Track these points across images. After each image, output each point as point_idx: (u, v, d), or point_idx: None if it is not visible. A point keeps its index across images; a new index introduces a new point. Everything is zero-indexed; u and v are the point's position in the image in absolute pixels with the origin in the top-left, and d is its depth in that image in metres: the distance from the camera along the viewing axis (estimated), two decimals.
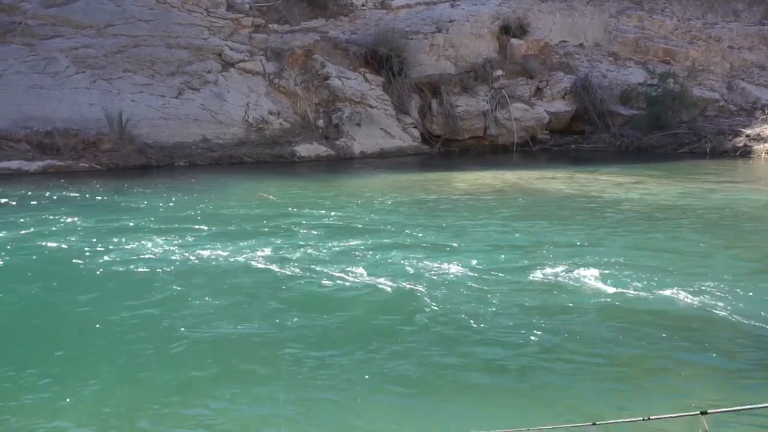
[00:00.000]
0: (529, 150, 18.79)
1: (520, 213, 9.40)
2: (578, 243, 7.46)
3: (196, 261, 6.70)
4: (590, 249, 7.18)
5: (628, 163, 15.52)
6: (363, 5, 20.04)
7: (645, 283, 5.85)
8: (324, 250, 7.04)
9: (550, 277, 6.02)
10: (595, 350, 4.57)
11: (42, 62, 16.16)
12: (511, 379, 4.17)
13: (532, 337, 4.73)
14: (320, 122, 17.67)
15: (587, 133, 19.48)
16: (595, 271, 6.13)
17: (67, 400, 3.91)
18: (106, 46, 16.77)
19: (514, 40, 20.03)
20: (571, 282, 5.91)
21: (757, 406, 2.22)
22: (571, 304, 5.37)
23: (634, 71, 20.89)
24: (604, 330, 4.89)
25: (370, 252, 6.99)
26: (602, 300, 5.48)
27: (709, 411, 1.92)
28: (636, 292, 5.64)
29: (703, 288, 5.72)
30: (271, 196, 10.41)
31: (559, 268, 6.26)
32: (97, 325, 5.01)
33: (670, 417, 2.42)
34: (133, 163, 15.17)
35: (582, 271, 6.14)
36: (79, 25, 16.94)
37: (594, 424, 2.15)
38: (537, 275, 6.09)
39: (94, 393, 3.98)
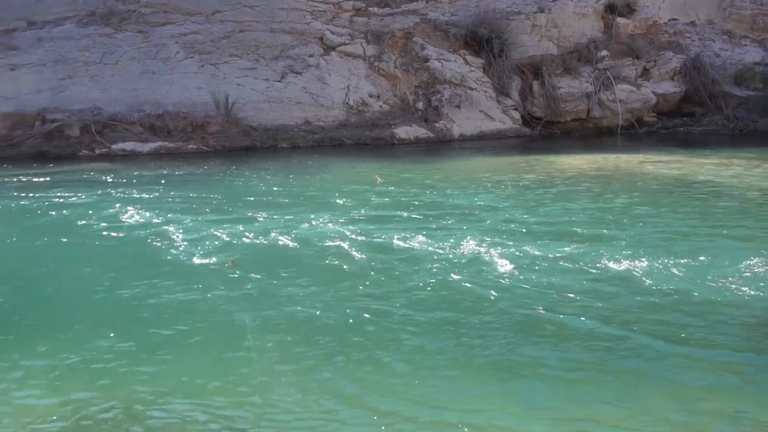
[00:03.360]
0: (635, 133, 18.15)
1: (623, 197, 9.09)
2: (685, 232, 7.11)
3: (297, 240, 6.83)
4: (700, 239, 6.82)
5: (743, 147, 14.74)
6: None
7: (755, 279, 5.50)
8: (424, 233, 7.03)
9: (650, 267, 5.75)
10: (700, 345, 4.33)
11: (154, 48, 16.87)
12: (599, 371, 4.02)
13: (626, 332, 4.54)
14: (420, 104, 17.65)
15: (697, 116, 18.60)
16: (708, 266, 5.80)
17: (142, 370, 4.07)
18: (213, 32, 17.32)
19: (620, 19, 19.34)
20: (674, 274, 5.63)
21: None
22: (673, 297, 5.11)
23: (749, 50, 19.76)
24: (709, 326, 4.62)
25: (469, 234, 6.93)
26: (704, 295, 5.16)
27: None
28: (740, 289, 5.29)
29: None
30: (379, 179, 10.52)
31: (663, 259, 5.95)
32: (187, 304, 5.12)
33: None
34: (238, 144, 15.65)
35: (690, 265, 5.82)
36: (189, 12, 17.57)
37: None
38: (637, 265, 5.83)
39: (180, 369, 4.10)
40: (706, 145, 15.17)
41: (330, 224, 7.39)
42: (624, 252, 6.07)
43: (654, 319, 4.57)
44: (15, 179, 11.41)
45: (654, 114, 18.81)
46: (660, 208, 8.33)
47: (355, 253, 6.24)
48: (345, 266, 5.91)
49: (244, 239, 6.86)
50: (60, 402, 3.63)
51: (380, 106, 17.36)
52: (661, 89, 18.69)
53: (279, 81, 16.97)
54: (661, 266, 5.65)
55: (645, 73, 19.03)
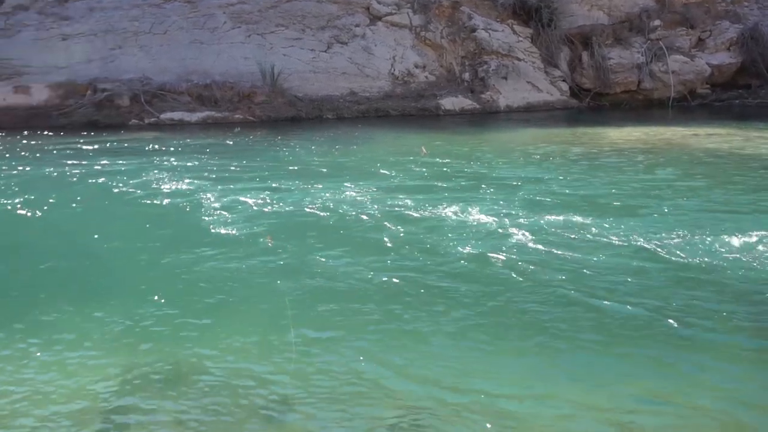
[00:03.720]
0: (687, 105, 17.68)
1: (671, 172, 8.88)
2: (734, 207, 6.90)
3: (337, 211, 6.88)
4: (748, 215, 6.63)
5: None
6: None
7: None
8: (466, 205, 7.00)
9: (692, 243, 5.60)
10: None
11: (202, 18, 17.01)
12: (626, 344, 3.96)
13: (664, 310, 4.45)
14: (466, 75, 17.47)
15: (754, 88, 18.01)
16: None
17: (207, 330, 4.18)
18: (260, 1, 17.37)
19: None
20: (716, 249, 5.48)
21: None
22: (713, 274, 4.97)
23: None
24: (751, 306, 4.47)
25: (510, 207, 6.88)
26: (747, 273, 5.00)
27: None
28: None
29: None
30: (425, 150, 10.51)
31: (706, 235, 5.80)
32: (228, 272, 5.20)
33: None
34: (284, 115, 15.75)
35: (735, 241, 5.66)
36: None
37: None
38: (678, 240, 5.70)
39: (222, 336, 4.20)
40: (761, 118, 14.69)
41: (371, 195, 7.42)
42: (667, 227, 5.96)
43: (692, 297, 4.49)
44: (67, 147, 11.70)
45: (708, 86, 18.29)
46: (710, 181, 8.13)
47: (394, 224, 6.26)
48: (384, 237, 5.94)
49: (285, 209, 6.94)
50: (109, 364, 3.76)
51: (426, 77, 17.25)
52: (716, 60, 18.14)
53: (325, 51, 16.98)
54: (704, 242, 5.54)
55: (699, 43, 18.48)
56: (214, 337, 4.07)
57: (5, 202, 7.41)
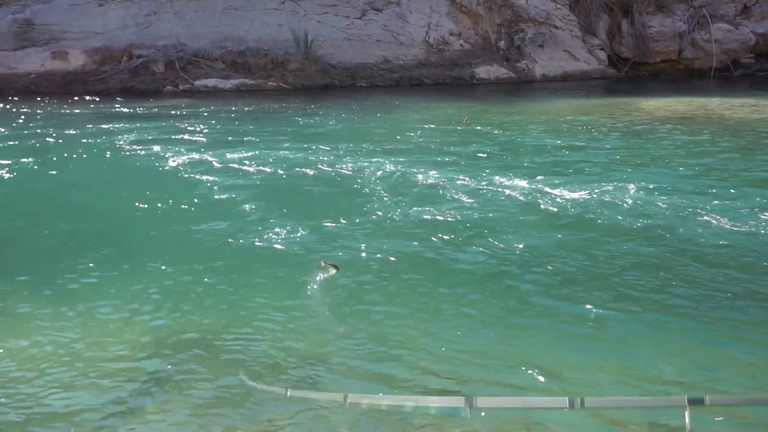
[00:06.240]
0: (729, 75, 17.23)
1: (710, 145, 8.67)
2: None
3: (367, 180, 6.86)
4: None
5: None
6: None
7: None
8: (495, 175, 6.93)
9: (730, 225, 5.47)
10: None
11: None
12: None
13: (682, 283, 4.36)
14: (501, 43, 17.21)
15: None
16: None
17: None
18: None
19: None
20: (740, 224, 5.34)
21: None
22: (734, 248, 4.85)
23: None
24: None
25: (546, 180, 6.79)
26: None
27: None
28: None
29: None
30: (466, 119, 10.43)
31: (736, 211, 5.67)
32: (258, 244, 5.25)
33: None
34: (317, 83, 15.70)
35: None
36: None
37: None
38: (715, 221, 5.56)
39: (243, 305, 4.24)
40: None
41: (403, 164, 7.38)
42: (695, 201, 5.85)
43: (717, 271, 4.42)
44: (102, 113, 11.82)
45: (752, 55, 17.79)
46: (752, 156, 7.93)
47: (429, 194, 6.22)
48: (421, 206, 5.92)
49: (317, 177, 6.94)
50: (141, 326, 3.82)
51: (461, 45, 17.03)
52: (762, 28, 17.61)
53: (359, 18, 16.83)
54: (736, 219, 5.42)
55: (745, 11, 17.94)
56: (242, 300, 4.11)
57: (40, 164, 7.53)
